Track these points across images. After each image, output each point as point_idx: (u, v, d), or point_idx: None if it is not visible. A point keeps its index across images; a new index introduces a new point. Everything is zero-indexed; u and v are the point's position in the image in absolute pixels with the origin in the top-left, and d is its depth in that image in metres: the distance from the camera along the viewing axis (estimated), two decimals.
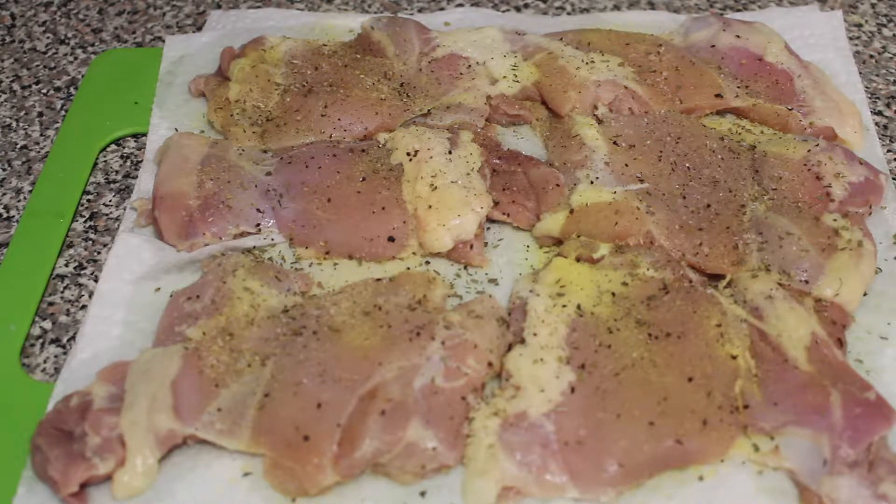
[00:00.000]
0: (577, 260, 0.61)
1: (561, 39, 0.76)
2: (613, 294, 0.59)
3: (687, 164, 0.66)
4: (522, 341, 0.56)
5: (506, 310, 0.60)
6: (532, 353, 0.55)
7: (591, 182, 0.65)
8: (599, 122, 0.70)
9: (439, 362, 0.55)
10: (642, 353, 0.55)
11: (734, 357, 0.55)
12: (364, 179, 0.66)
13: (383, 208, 0.64)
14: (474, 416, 0.53)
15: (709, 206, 0.64)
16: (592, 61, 0.73)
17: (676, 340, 0.56)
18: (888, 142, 0.73)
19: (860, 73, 0.77)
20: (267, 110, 0.72)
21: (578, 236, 0.63)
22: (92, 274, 0.65)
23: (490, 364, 0.55)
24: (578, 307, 0.58)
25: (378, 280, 0.61)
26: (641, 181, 0.65)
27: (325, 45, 0.77)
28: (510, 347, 0.57)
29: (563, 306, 0.58)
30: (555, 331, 0.56)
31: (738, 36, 0.76)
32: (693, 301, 0.58)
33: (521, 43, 0.76)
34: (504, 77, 0.74)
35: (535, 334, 0.56)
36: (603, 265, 0.61)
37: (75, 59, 0.83)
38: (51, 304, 0.63)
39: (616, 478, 0.51)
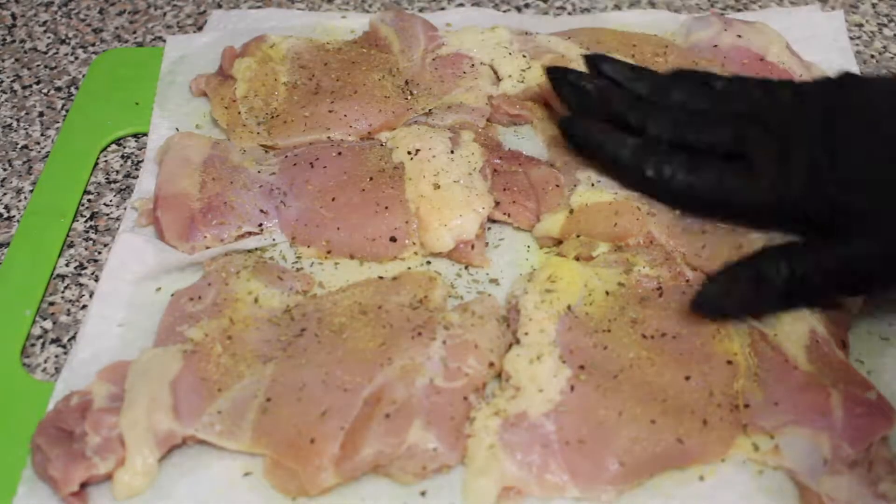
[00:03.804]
0: (577, 259, 0.61)
1: (569, 38, 0.76)
2: (607, 293, 0.58)
3: None
4: (518, 341, 0.56)
5: (505, 310, 0.60)
6: (528, 353, 0.55)
7: (592, 185, 0.65)
8: None
9: (439, 363, 0.55)
10: (639, 353, 0.55)
11: (734, 354, 0.55)
12: (371, 179, 0.65)
13: (386, 208, 0.64)
14: (475, 416, 0.53)
15: None
16: None
17: (671, 340, 0.56)
18: None
19: (861, 72, 0.77)
20: (273, 108, 0.72)
21: (578, 236, 0.63)
22: (93, 274, 0.65)
23: (492, 364, 0.55)
24: (569, 306, 0.57)
25: (380, 279, 0.61)
26: None
27: (327, 43, 0.77)
28: (510, 347, 0.57)
29: (552, 303, 0.57)
30: (545, 329, 0.56)
31: (739, 36, 0.75)
32: (687, 301, 0.58)
33: (531, 43, 0.76)
34: (509, 76, 0.73)
35: (526, 333, 0.56)
36: (597, 262, 0.61)
37: (76, 58, 0.83)
38: (51, 303, 0.63)
39: (617, 476, 0.51)
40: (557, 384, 0.54)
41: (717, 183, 0.59)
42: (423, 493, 0.52)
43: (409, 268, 0.63)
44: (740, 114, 0.61)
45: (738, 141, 0.59)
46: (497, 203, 0.65)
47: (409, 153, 0.66)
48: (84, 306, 0.63)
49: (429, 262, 0.64)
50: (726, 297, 0.56)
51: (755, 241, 0.61)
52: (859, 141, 0.55)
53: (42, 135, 0.76)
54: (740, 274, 0.56)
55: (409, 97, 0.73)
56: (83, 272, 0.65)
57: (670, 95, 0.63)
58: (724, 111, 0.61)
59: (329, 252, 0.64)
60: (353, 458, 0.51)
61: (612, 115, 0.63)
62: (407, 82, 0.74)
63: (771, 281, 0.55)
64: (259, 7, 0.87)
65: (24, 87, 0.80)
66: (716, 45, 0.75)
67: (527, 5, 0.87)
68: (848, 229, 0.54)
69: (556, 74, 0.67)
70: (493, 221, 0.66)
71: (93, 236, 0.68)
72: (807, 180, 0.56)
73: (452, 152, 0.66)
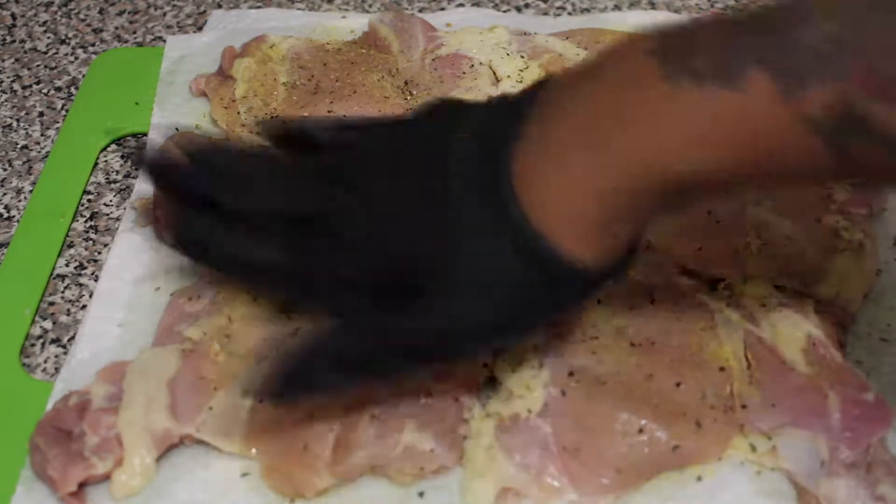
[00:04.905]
0: None
1: (567, 38, 0.76)
2: (598, 300, 0.58)
3: None
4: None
5: None
6: (515, 358, 0.55)
7: None
8: None
9: None
10: (628, 360, 0.55)
11: (726, 360, 0.55)
12: None
13: None
14: (472, 417, 0.53)
15: (709, 212, 0.63)
16: None
17: (661, 348, 0.55)
18: None
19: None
20: (272, 108, 0.72)
21: None
22: (92, 274, 0.65)
23: (485, 365, 0.55)
24: None
25: None
26: None
27: (327, 43, 0.77)
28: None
29: None
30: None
31: None
32: (679, 309, 0.58)
33: (529, 44, 0.76)
34: (508, 76, 0.73)
35: None
36: None
37: (76, 58, 0.83)
38: (51, 303, 0.63)
39: (614, 484, 0.51)
40: (546, 390, 0.53)
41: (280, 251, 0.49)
42: (421, 494, 0.52)
43: None
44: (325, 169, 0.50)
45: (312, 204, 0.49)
46: None
47: None
48: (84, 306, 0.63)
49: None
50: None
51: (751, 242, 0.61)
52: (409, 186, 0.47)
53: (42, 135, 0.76)
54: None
55: (409, 97, 0.73)
56: (83, 272, 0.65)
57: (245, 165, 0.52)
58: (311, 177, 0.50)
59: None
60: (346, 461, 0.51)
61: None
62: (407, 83, 0.74)
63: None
64: (259, 7, 0.87)
65: (24, 87, 0.80)
66: None
67: (527, 5, 0.87)
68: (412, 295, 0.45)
69: (133, 157, 0.63)
70: None
71: (93, 236, 0.68)
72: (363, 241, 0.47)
73: None
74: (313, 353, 0.47)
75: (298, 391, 0.49)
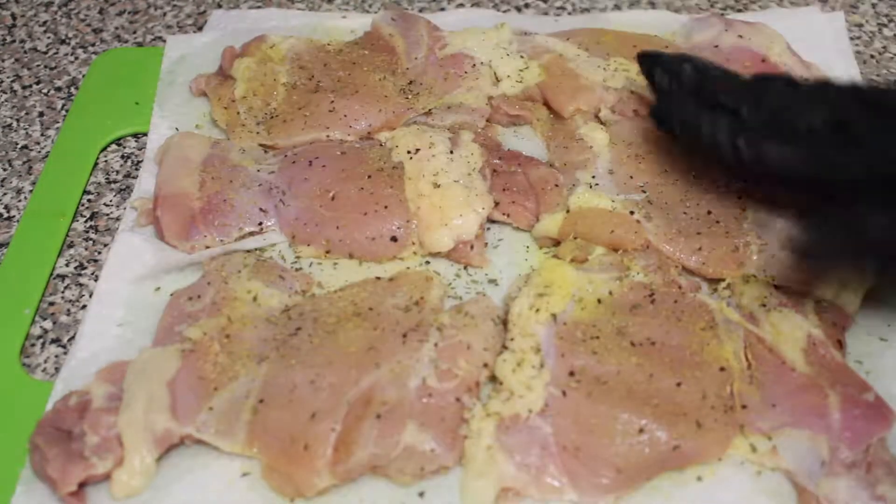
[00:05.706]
0: (573, 261, 0.61)
1: (568, 39, 0.76)
2: (599, 301, 0.58)
3: (693, 173, 0.66)
4: (505, 347, 0.56)
5: (502, 310, 0.60)
6: (512, 359, 0.55)
7: (591, 186, 0.65)
8: (603, 124, 0.70)
9: (429, 364, 0.55)
10: (629, 359, 0.55)
11: (726, 360, 0.55)
12: (370, 177, 0.66)
13: (385, 207, 0.64)
14: (471, 417, 0.53)
15: (710, 212, 0.63)
16: (601, 65, 0.73)
17: (661, 348, 0.56)
18: None
19: (861, 73, 0.77)
20: (272, 108, 0.72)
21: (575, 238, 0.63)
22: (92, 274, 0.65)
23: (486, 364, 0.55)
24: (554, 315, 0.57)
25: (377, 280, 0.61)
26: (643, 191, 0.65)
27: (328, 44, 0.77)
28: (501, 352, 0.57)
29: (539, 310, 0.57)
30: (531, 335, 0.56)
31: (740, 36, 0.75)
32: (679, 309, 0.58)
33: (529, 43, 0.76)
34: (508, 76, 0.73)
35: (512, 339, 0.56)
36: (592, 265, 0.60)
37: (76, 58, 0.83)
38: (51, 303, 0.63)
39: (614, 484, 0.51)
40: (546, 390, 0.54)
41: (813, 154, 0.56)
42: (421, 494, 0.52)
43: (408, 267, 0.63)
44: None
45: (834, 114, 0.56)
46: (496, 203, 0.65)
47: (408, 153, 0.66)
48: (84, 306, 0.63)
49: (427, 262, 0.64)
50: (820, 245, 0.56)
51: (751, 242, 0.61)
52: None
53: (42, 135, 0.76)
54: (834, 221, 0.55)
55: (411, 96, 0.72)
56: (83, 272, 0.65)
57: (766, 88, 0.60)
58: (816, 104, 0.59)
59: (328, 251, 0.64)
60: (347, 461, 0.51)
61: (703, 97, 0.61)
62: (411, 83, 0.74)
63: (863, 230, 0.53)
64: (259, 7, 0.87)
65: (24, 87, 0.80)
66: (717, 46, 0.75)
67: (527, 5, 0.87)
68: None
69: (648, 59, 0.65)
70: (493, 222, 0.66)
71: (93, 236, 0.68)
72: None
73: (452, 152, 0.66)
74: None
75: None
